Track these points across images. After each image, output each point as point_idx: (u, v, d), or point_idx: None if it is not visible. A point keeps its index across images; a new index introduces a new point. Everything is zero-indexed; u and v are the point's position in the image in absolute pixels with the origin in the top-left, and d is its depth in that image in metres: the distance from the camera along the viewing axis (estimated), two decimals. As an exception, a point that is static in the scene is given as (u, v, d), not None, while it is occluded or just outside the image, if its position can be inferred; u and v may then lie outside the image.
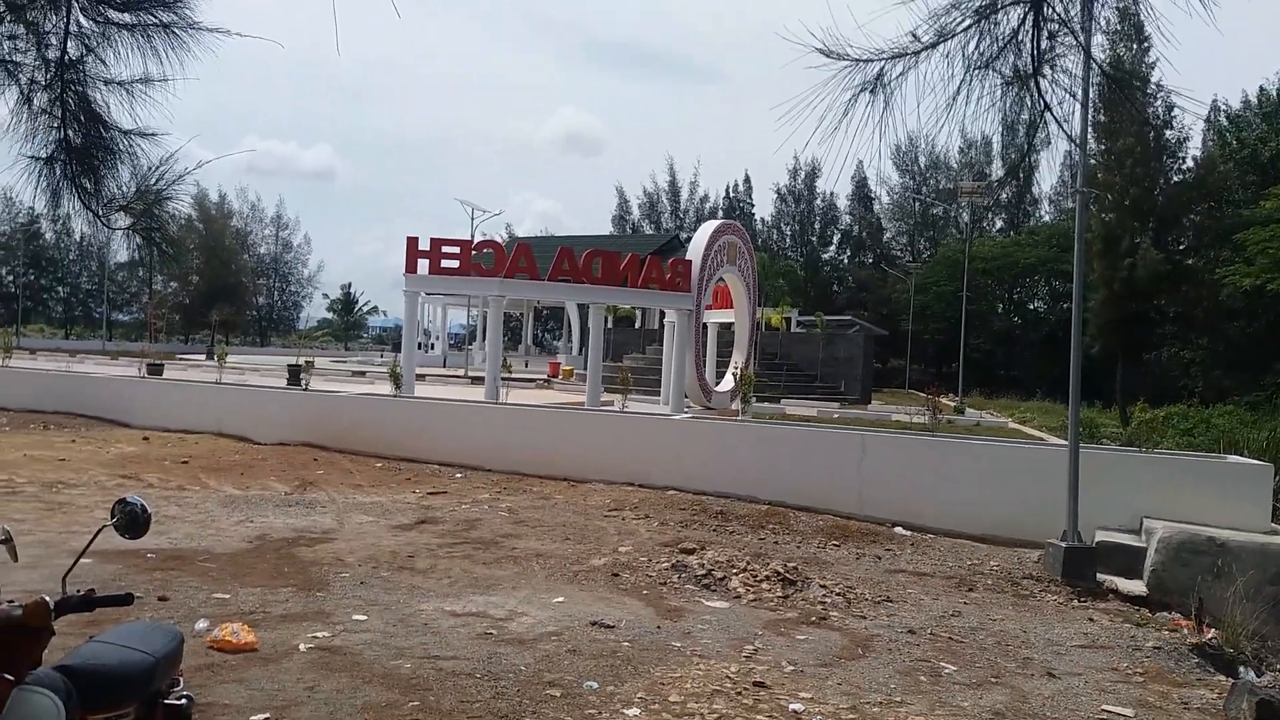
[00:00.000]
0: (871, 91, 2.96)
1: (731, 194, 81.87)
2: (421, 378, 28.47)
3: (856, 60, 2.94)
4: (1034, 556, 10.11)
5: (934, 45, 2.86)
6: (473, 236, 40.35)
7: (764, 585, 8.28)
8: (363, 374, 30.00)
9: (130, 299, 78.98)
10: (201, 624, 6.19)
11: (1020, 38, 2.78)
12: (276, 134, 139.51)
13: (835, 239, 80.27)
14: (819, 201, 79.46)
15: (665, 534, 10.16)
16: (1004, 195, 73.25)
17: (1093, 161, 43.43)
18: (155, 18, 3.47)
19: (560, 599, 7.39)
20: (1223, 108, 53.70)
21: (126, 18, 3.47)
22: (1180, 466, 11.44)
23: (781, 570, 8.62)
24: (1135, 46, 43.37)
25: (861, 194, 77.85)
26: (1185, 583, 9.00)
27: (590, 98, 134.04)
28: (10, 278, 74.93)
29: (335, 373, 31.63)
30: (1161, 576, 9.32)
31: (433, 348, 50.06)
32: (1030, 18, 2.77)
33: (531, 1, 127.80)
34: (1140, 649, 7.21)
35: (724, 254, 24.46)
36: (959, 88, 2.86)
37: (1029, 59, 2.79)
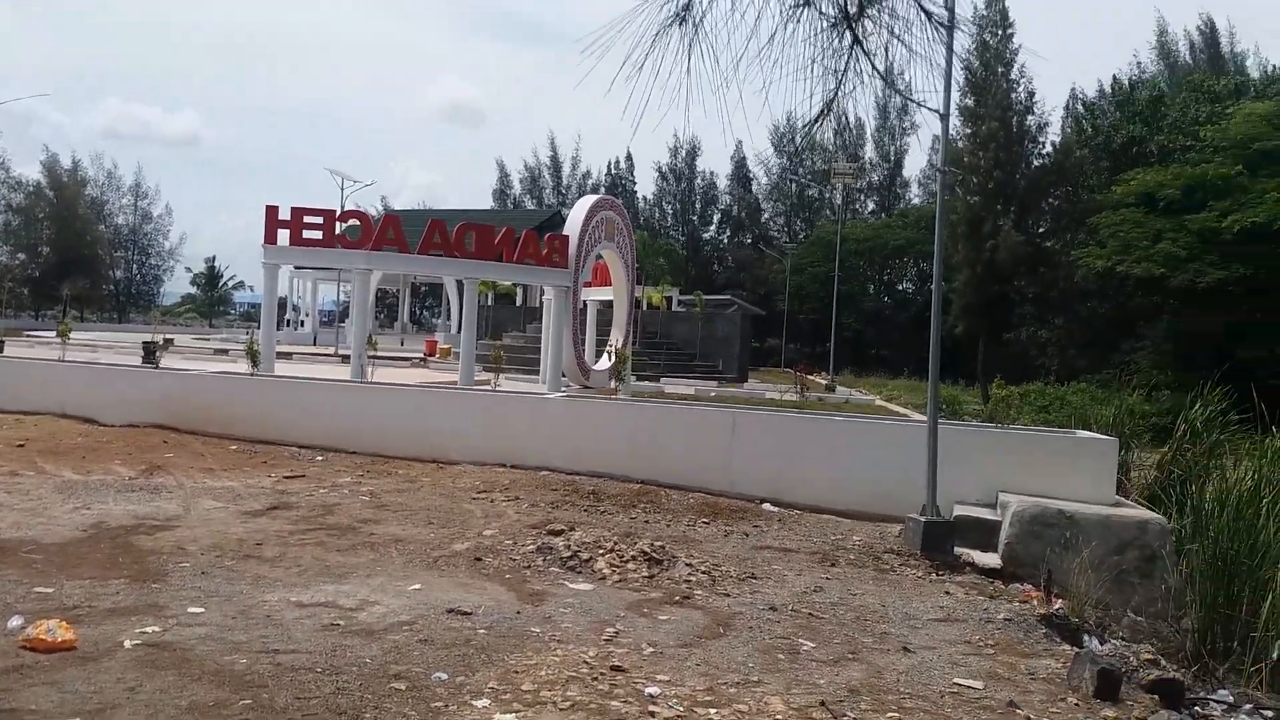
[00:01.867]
0: (681, 23, 2.72)
1: (614, 170, 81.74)
2: (288, 356, 27.49)
3: None
4: (896, 531, 10.31)
5: None
6: (342, 207, 39.02)
7: (630, 565, 8.17)
8: (225, 352, 28.76)
9: (-29, 271, 73.74)
10: (15, 621, 5.68)
11: None
12: (138, 97, 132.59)
13: (715, 219, 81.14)
14: (700, 181, 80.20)
15: (534, 516, 9.95)
16: (875, 178, 75.26)
17: (958, 145, 45.03)
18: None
19: (416, 586, 7.11)
20: (1080, 96, 56.41)
21: None
22: (1033, 441, 11.87)
23: (648, 549, 8.53)
24: (1000, 33, 45.08)
25: (740, 174, 78.84)
26: (1037, 555, 9.31)
27: (472, 68, 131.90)
28: None
29: (197, 350, 30.28)
30: (1015, 549, 9.63)
31: (302, 325, 48.41)
32: None
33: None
34: (992, 621, 7.39)
35: (602, 230, 24.28)
36: (776, 28, 2.65)
37: None
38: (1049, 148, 49.51)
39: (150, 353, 19.62)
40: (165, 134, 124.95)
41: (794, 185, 76.61)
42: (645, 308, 37.93)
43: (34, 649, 5.30)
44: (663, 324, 39.20)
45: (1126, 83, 54.84)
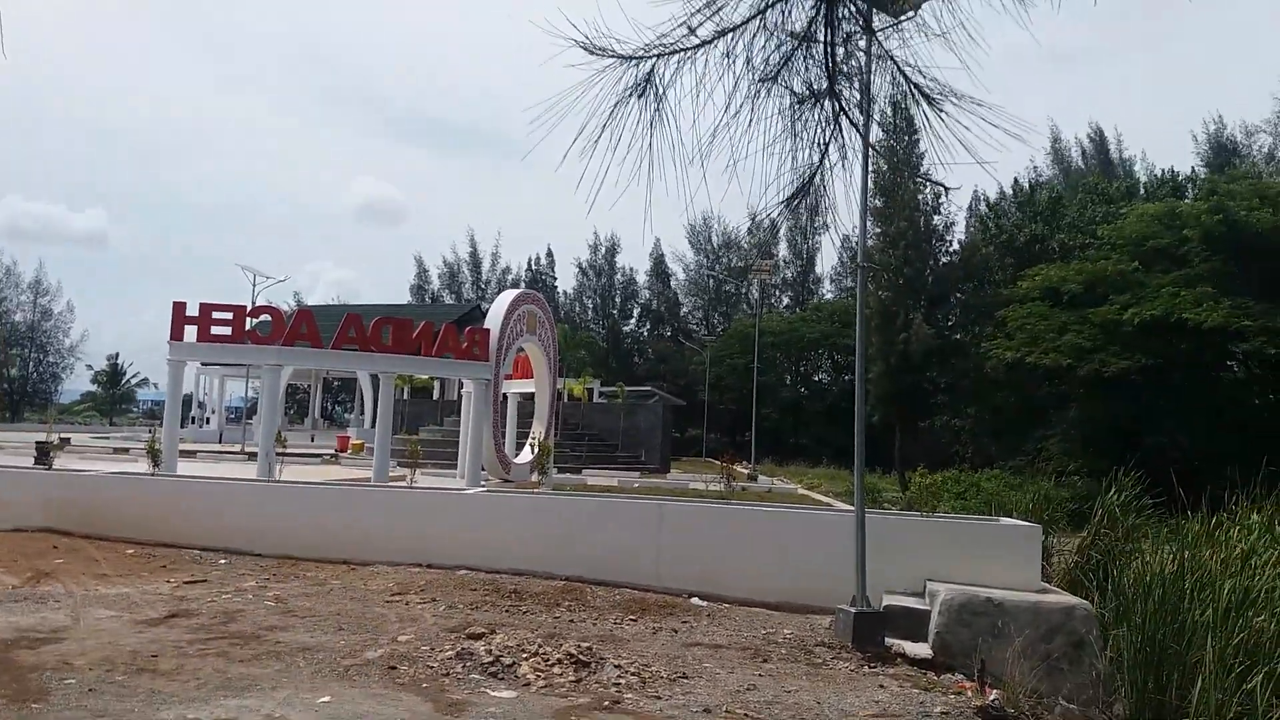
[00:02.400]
0: (641, 95, 2.54)
1: (534, 266, 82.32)
2: (193, 454, 26.46)
3: (624, 57, 2.51)
4: (825, 623, 10.09)
5: (711, 41, 2.49)
6: (253, 303, 38.25)
7: (556, 669, 7.78)
8: (126, 451, 27.56)
9: None
10: None
11: (811, 41, 2.46)
12: (43, 194, 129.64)
13: (635, 312, 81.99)
14: (619, 276, 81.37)
15: (453, 618, 9.48)
16: (789, 274, 77.14)
17: (871, 242, 46.63)
18: None
19: (326, 699, 6.62)
20: (982, 197, 59.11)
21: None
22: (958, 529, 11.86)
23: (575, 652, 8.16)
24: (906, 139, 47.18)
25: (659, 270, 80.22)
26: (968, 644, 9.18)
27: (389, 167, 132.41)
28: None
29: (96, 450, 29.01)
30: (945, 639, 9.48)
31: (208, 422, 46.85)
32: (822, 10, 2.43)
33: (325, 75, 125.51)
34: (930, 715, 7.19)
35: (523, 323, 24.16)
36: (744, 102, 2.52)
37: (822, 69, 2.48)
38: (956, 245, 51.56)
39: (44, 452, 18.56)
40: (71, 231, 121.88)
41: (711, 281, 78.04)
42: (567, 399, 37.71)
43: (-114, 786, 4.72)
44: (584, 415, 38.97)
45: (1027, 185, 57.71)
